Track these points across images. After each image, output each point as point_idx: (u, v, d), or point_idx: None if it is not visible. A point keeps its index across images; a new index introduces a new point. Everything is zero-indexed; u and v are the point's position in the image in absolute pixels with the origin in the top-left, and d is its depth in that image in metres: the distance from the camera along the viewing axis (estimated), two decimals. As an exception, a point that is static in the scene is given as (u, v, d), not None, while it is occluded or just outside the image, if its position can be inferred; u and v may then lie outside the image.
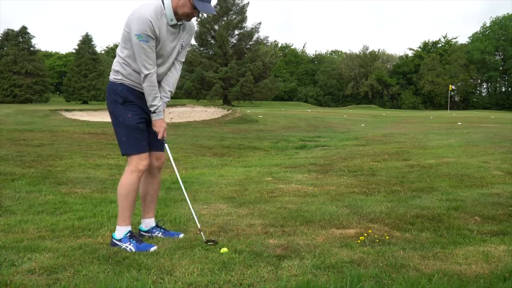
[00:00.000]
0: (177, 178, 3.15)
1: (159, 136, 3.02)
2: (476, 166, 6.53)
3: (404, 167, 6.66)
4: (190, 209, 3.18)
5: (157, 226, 3.25)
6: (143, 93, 2.96)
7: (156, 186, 3.23)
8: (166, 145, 3.12)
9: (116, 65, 2.95)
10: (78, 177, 5.80)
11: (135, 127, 2.92)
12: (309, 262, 2.61)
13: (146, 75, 2.84)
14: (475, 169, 6.30)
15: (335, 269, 2.50)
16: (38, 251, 2.76)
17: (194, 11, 2.83)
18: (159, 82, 3.01)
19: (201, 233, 2.99)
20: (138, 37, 2.74)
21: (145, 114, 3.00)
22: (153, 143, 3.07)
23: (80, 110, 24.04)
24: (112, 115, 2.99)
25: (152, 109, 2.94)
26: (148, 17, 2.74)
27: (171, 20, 2.85)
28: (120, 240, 2.92)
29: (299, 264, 2.59)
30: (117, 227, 2.98)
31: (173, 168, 3.15)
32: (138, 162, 2.93)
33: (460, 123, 19.05)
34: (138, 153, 2.93)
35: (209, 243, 2.90)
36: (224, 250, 2.79)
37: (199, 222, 3.06)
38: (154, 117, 2.97)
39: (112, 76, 2.97)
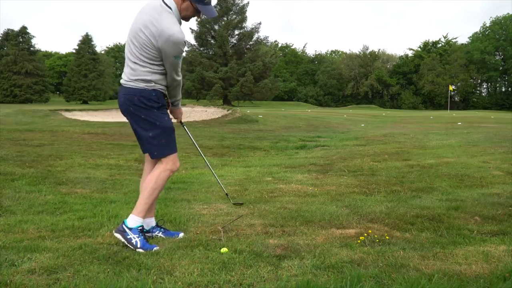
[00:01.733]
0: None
1: (179, 120, 3.30)
2: (476, 166, 6.53)
3: (404, 167, 6.66)
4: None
5: (157, 225, 3.25)
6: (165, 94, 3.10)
7: None
8: (185, 127, 3.43)
9: (146, 75, 2.90)
10: (78, 177, 5.80)
11: (172, 129, 3.03)
12: (309, 262, 2.61)
13: (179, 81, 3.03)
14: (475, 169, 6.30)
15: (335, 269, 2.50)
16: (38, 251, 2.76)
17: (196, 14, 2.90)
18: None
19: (228, 196, 3.43)
20: (176, 58, 2.87)
21: None
22: None
23: (80, 110, 24.05)
24: (145, 121, 2.95)
25: (177, 102, 3.20)
26: (183, 38, 2.85)
27: (180, 24, 2.95)
28: (130, 229, 2.90)
29: (299, 264, 2.58)
30: (133, 216, 2.95)
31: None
32: (174, 162, 3.03)
33: (460, 123, 19.05)
34: (175, 153, 3.05)
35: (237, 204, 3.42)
36: (224, 250, 2.79)
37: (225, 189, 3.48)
38: (175, 108, 3.23)
39: (143, 84, 2.92)
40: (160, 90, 2.98)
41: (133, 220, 2.94)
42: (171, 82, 3.00)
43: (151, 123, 2.96)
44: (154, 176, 2.98)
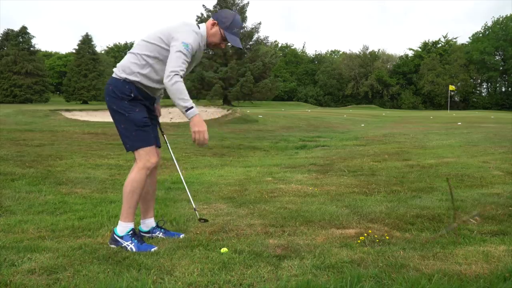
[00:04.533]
0: (177, 178, 3.15)
1: (200, 143, 2.87)
2: (476, 166, 6.53)
3: (404, 167, 6.66)
4: (190, 203, 3.19)
5: (157, 226, 3.25)
6: (149, 94, 3.00)
7: (155, 183, 3.23)
8: (168, 144, 3.24)
9: (136, 67, 2.88)
10: (78, 177, 5.79)
11: (143, 121, 2.92)
12: (309, 262, 2.61)
13: (180, 77, 2.75)
14: (475, 169, 6.30)
15: (335, 269, 2.50)
16: (38, 251, 2.76)
17: (222, 43, 2.95)
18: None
19: (196, 211, 3.28)
20: (184, 45, 2.77)
21: (149, 114, 3.04)
22: None
23: (80, 110, 24.01)
24: (116, 111, 2.91)
25: (185, 109, 2.78)
26: (198, 40, 2.86)
27: (204, 48, 2.99)
28: (122, 238, 2.90)
29: (299, 264, 2.58)
30: (120, 223, 2.93)
31: (174, 168, 3.19)
32: (147, 159, 2.91)
33: (460, 123, 19.05)
34: (147, 146, 2.91)
35: (201, 221, 3.21)
36: (224, 250, 2.79)
37: (194, 203, 3.30)
38: (189, 115, 2.77)
39: (124, 75, 2.89)
40: (139, 87, 2.93)
41: (121, 227, 2.92)
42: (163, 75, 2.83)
43: (121, 114, 2.89)
44: (129, 179, 2.91)
